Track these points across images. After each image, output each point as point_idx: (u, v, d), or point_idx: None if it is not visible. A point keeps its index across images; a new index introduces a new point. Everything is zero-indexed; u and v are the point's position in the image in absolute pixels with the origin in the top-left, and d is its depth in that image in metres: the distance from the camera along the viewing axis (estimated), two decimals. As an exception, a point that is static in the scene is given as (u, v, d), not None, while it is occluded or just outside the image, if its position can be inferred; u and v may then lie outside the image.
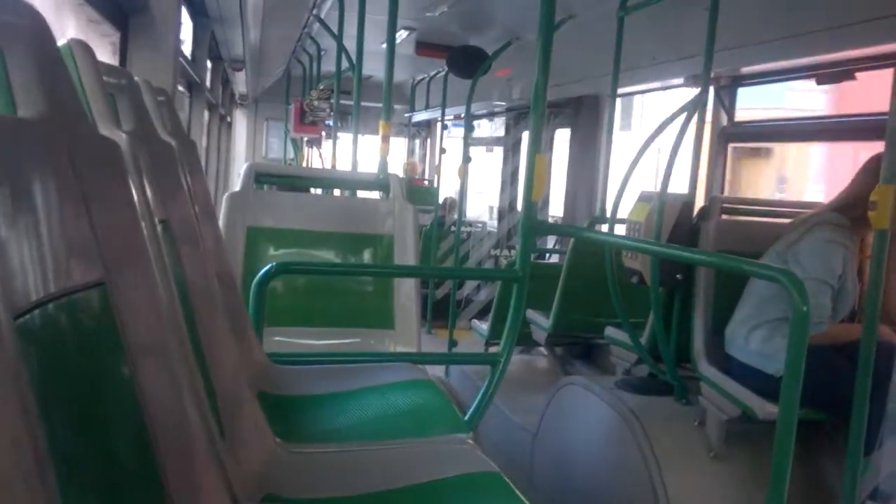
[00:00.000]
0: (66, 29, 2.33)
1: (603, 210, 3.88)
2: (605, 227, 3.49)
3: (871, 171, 2.52)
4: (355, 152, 4.26)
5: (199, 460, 1.00)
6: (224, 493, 1.06)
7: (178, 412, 0.94)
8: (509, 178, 6.98)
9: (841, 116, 3.21)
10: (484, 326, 4.40)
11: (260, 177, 3.06)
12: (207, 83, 5.68)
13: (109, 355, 0.81)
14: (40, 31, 0.79)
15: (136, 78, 1.51)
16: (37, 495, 0.51)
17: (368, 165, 4.48)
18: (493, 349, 3.92)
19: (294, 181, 3.46)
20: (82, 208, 0.77)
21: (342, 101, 5.70)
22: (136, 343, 0.84)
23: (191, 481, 0.95)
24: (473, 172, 6.47)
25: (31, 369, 0.60)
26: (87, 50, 1.15)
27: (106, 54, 2.43)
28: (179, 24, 2.38)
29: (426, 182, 8.55)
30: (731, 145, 3.67)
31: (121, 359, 0.82)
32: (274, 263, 2.31)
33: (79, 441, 0.70)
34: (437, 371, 3.50)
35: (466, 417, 2.31)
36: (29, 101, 0.73)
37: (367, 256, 3.04)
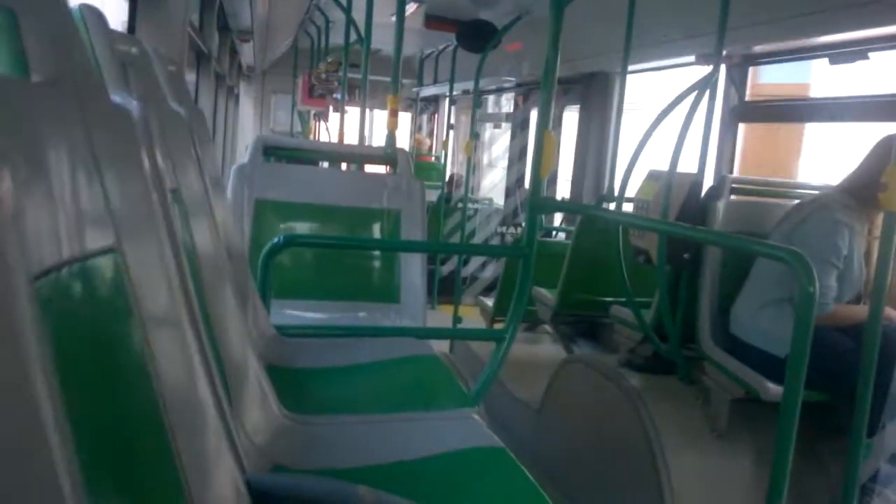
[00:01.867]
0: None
1: (611, 188, 3.87)
2: (612, 206, 3.48)
3: (881, 151, 2.51)
4: (363, 126, 4.25)
5: (210, 429, 1.01)
6: (234, 463, 1.07)
7: (188, 380, 0.95)
8: (517, 155, 6.95)
9: (855, 96, 3.17)
10: (489, 303, 4.42)
11: (268, 149, 3.06)
12: (215, 54, 5.64)
13: (121, 322, 0.81)
14: None
15: (146, 47, 1.50)
16: (57, 455, 0.52)
17: (375, 139, 4.47)
18: (497, 326, 3.93)
19: (302, 154, 3.45)
20: (95, 175, 0.77)
21: (350, 75, 5.67)
22: (148, 311, 0.85)
23: (201, 450, 0.96)
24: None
25: (47, 333, 0.60)
26: (98, 16, 1.14)
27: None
28: (188, -7, 2.37)
29: (433, 158, 8.52)
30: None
31: (132, 326, 0.82)
32: (281, 236, 2.31)
33: (90, 406, 0.70)
34: (441, 347, 3.51)
35: (471, 393, 2.32)
36: (43, 66, 0.73)
37: (373, 231, 3.05)
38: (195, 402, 0.97)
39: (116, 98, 1.07)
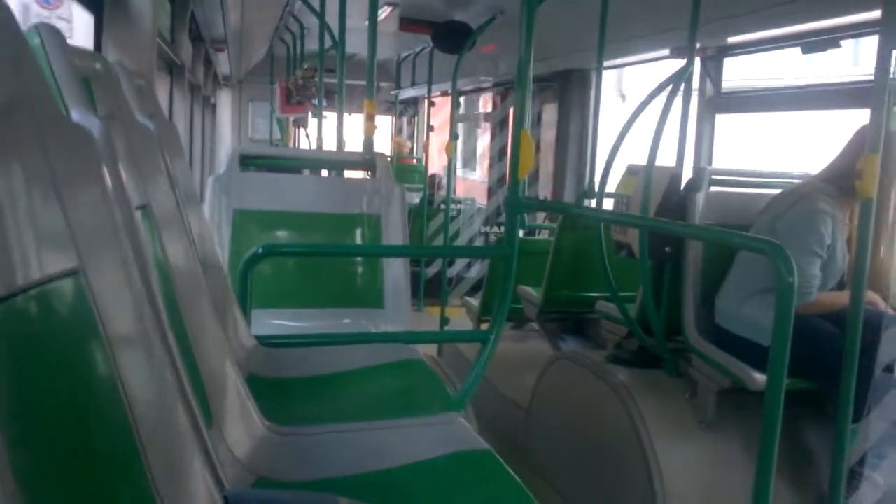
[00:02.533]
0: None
1: (591, 184, 3.87)
2: (593, 202, 3.48)
3: (859, 140, 2.52)
4: (340, 132, 4.23)
5: (185, 447, 0.99)
6: (211, 480, 1.06)
7: (160, 399, 0.93)
8: (497, 154, 6.95)
9: (827, 84, 3.20)
10: (475, 304, 4.41)
11: (245, 159, 3.03)
12: (189, 65, 5.60)
13: (87, 345, 0.79)
14: (4, 17, 0.76)
15: (111, 61, 1.48)
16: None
17: (355, 144, 4.45)
18: (484, 326, 3.93)
19: (279, 162, 3.43)
20: (52, 197, 0.75)
21: (327, 80, 5.64)
22: (115, 331, 0.83)
23: (176, 469, 0.94)
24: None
25: (2, 364, 0.59)
26: (56, 34, 1.12)
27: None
28: (157, 5, 2.34)
29: (414, 160, 8.51)
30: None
31: (99, 348, 0.81)
32: (260, 246, 2.29)
33: (59, 434, 0.69)
34: (429, 349, 3.50)
35: (457, 395, 2.31)
36: None
37: (355, 236, 3.03)
38: (168, 421, 0.95)
39: (77, 117, 1.05)
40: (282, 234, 2.98)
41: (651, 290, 2.68)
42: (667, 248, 2.72)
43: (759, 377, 2.33)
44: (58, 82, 1.10)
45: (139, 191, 1.26)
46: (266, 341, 2.17)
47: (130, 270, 0.92)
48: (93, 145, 0.93)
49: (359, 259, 3.04)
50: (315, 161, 3.84)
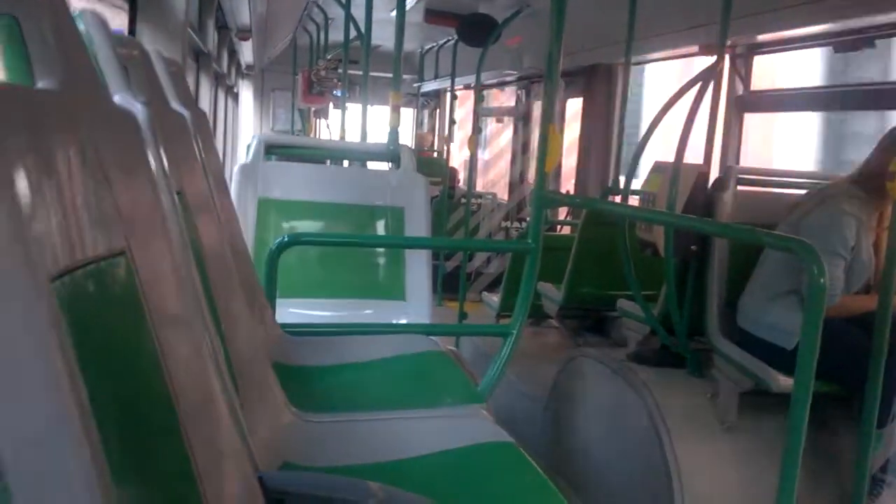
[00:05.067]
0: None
1: (616, 181, 3.85)
2: (618, 199, 3.47)
3: (888, 142, 2.49)
4: (365, 123, 4.23)
5: (223, 425, 1.01)
6: (246, 459, 1.07)
7: (200, 377, 0.95)
8: (520, 149, 6.93)
9: (859, 84, 3.16)
10: (494, 299, 4.41)
11: (270, 148, 3.05)
12: (214, 53, 5.63)
13: (134, 323, 0.81)
14: (58, 4, 0.77)
15: (147, 48, 1.49)
16: (87, 446, 0.54)
17: (376, 136, 4.46)
18: (503, 322, 3.92)
19: (304, 152, 3.44)
20: (103, 178, 0.77)
21: (350, 72, 5.65)
22: (159, 311, 0.85)
23: (214, 447, 0.96)
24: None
25: (67, 331, 0.61)
26: (99, 20, 1.13)
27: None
28: (189, -8, 2.36)
29: (435, 153, 8.50)
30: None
31: (145, 326, 0.82)
32: (286, 235, 2.31)
33: (108, 402, 0.70)
34: (447, 343, 3.50)
35: (479, 388, 2.32)
36: (47, 72, 0.72)
37: (378, 228, 3.04)
38: (207, 399, 0.97)
39: (120, 101, 1.07)
40: (305, 224, 2.99)
41: (674, 289, 2.66)
42: (692, 247, 2.70)
43: (783, 379, 2.32)
44: (100, 67, 1.11)
45: (176, 176, 1.27)
46: (290, 329, 2.19)
47: (173, 252, 0.94)
48: (137, 129, 0.94)
49: (381, 250, 3.05)
50: (341, 152, 3.84)
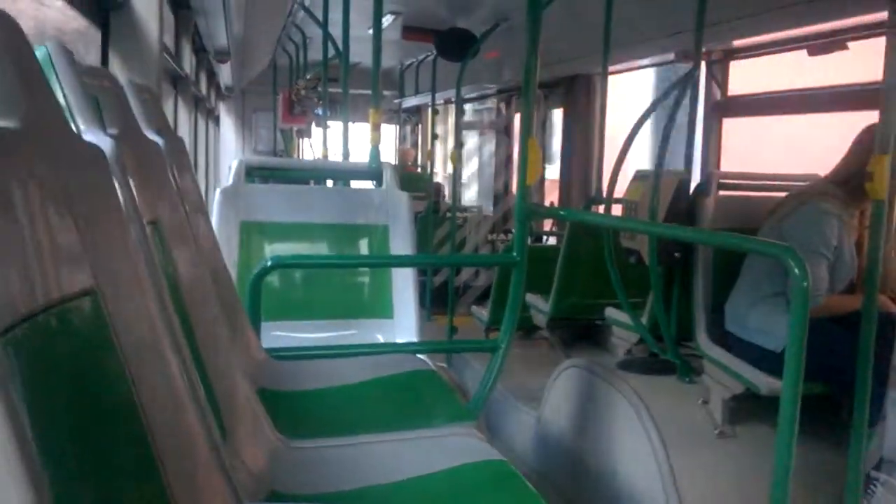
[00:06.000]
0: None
1: (599, 190, 3.86)
2: (601, 208, 3.47)
3: (865, 141, 2.51)
4: (346, 141, 4.22)
5: (201, 461, 0.99)
6: (228, 493, 1.05)
7: (177, 414, 0.93)
8: (503, 162, 6.95)
9: (834, 87, 3.18)
10: (484, 312, 4.39)
11: (251, 171, 3.03)
12: (192, 77, 5.62)
13: (105, 362, 0.80)
14: (16, 38, 0.76)
15: (119, 77, 1.48)
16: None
17: (359, 154, 4.45)
18: (493, 335, 3.91)
19: (286, 174, 3.42)
20: (68, 216, 0.75)
21: (330, 90, 5.65)
22: (131, 348, 0.83)
23: (193, 483, 0.94)
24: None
25: (23, 382, 0.59)
26: (65, 53, 1.12)
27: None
28: (162, 18, 2.34)
29: (419, 169, 8.51)
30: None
31: (116, 364, 0.81)
32: (270, 259, 2.29)
33: (78, 448, 0.69)
34: (438, 358, 3.49)
35: (469, 405, 2.30)
36: (8, 111, 0.71)
37: (362, 247, 3.02)
38: (185, 434, 0.95)
39: (88, 135, 1.05)
40: (289, 246, 2.97)
41: (661, 296, 2.66)
42: (676, 254, 2.71)
43: (771, 381, 2.32)
44: (68, 101, 1.09)
45: (149, 206, 1.25)
46: (275, 354, 2.16)
47: (144, 286, 0.92)
48: (105, 164, 0.93)
49: (367, 270, 3.03)
50: (322, 172, 3.83)
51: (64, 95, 1.09)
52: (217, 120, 9.59)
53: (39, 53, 1.07)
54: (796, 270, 1.62)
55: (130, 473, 0.80)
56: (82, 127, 1.09)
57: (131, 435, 0.81)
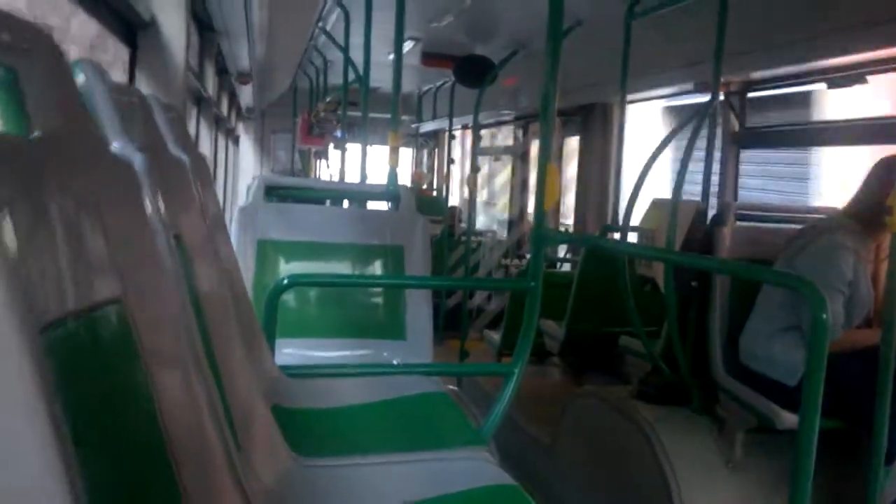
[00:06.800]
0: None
1: (615, 218, 3.86)
2: (617, 235, 3.47)
3: (882, 173, 2.50)
4: (364, 164, 4.26)
5: (218, 472, 0.99)
6: (242, 502, 1.05)
7: (196, 425, 0.94)
8: (519, 187, 6.97)
9: (854, 120, 3.18)
10: (496, 337, 4.38)
11: (269, 189, 3.06)
12: (214, 97, 5.70)
13: (128, 370, 0.81)
14: (53, 52, 0.79)
15: (146, 95, 1.51)
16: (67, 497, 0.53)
17: (375, 176, 4.48)
18: (505, 359, 3.90)
19: (304, 193, 3.45)
20: (98, 226, 0.77)
21: (349, 113, 5.71)
22: (154, 357, 0.84)
23: (209, 494, 0.94)
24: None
25: (52, 384, 0.60)
26: (97, 69, 1.15)
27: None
28: (188, 39, 2.39)
29: (434, 192, 8.55)
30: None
31: (139, 373, 0.82)
32: (286, 277, 2.30)
33: (99, 454, 0.69)
34: (449, 382, 3.48)
35: (481, 429, 2.29)
36: (44, 122, 0.73)
37: (377, 267, 3.03)
38: (203, 446, 0.96)
39: (117, 148, 1.07)
40: (304, 265, 2.99)
41: (676, 325, 2.65)
42: (693, 283, 2.70)
43: (788, 416, 2.29)
44: (99, 116, 1.12)
45: (173, 221, 1.27)
46: (289, 371, 2.17)
47: (169, 297, 0.93)
48: (134, 177, 0.95)
49: (381, 290, 3.04)
50: (340, 192, 3.86)
51: (95, 111, 1.11)
52: (237, 140, 9.70)
53: (74, 70, 1.10)
54: (813, 302, 1.62)
55: (149, 480, 0.81)
56: (113, 142, 1.11)
57: (151, 443, 0.81)
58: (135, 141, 1.26)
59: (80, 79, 1.11)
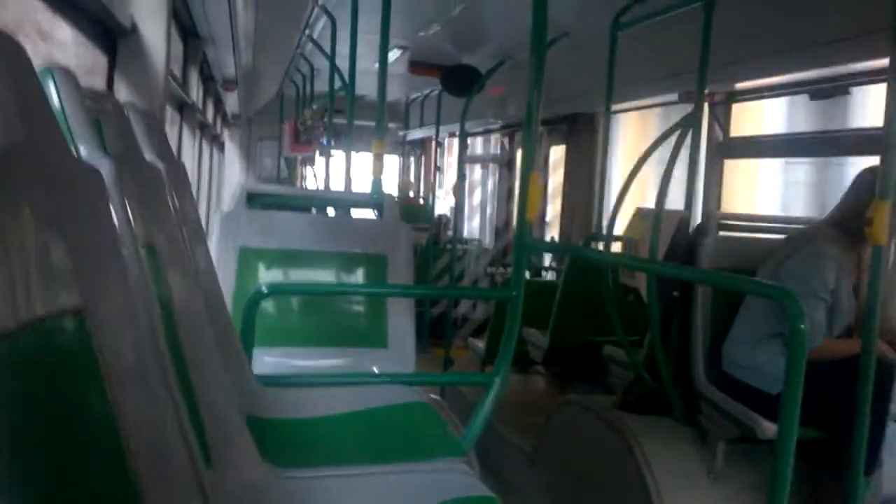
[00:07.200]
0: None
1: (599, 227, 3.87)
2: (601, 245, 3.47)
3: (863, 184, 2.51)
4: (348, 172, 4.25)
5: (184, 489, 0.97)
6: None
7: (158, 439, 0.92)
8: (505, 196, 6.98)
9: (837, 131, 3.20)
10: (480, 345, 4.37)
11: (252, 197, 3.04)
12: (199, 104, 5.67)
13: (86, 383, 0.79)
14: (18, 59, 0.77)
15: (122, 101, 1.49)
16: None
17: (362, 184, 4.47)
18: (489, 368, 3.89)
19: (287, 201, 3.43)
20: (59, 236, 0.75)
21: (336, 120, 5.70)
22: (115, 369, 0.82)
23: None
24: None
25: (4, 396, 0.58)
26: (68, 75, 1.13)
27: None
28: (169, 46, 2.36)
29: (421, 200, 8.55)
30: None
31: (98, 386, 0.80)
32: (263, 285, 2.28)
33: (55, 469, 0.68)
34: (432, 391, 3.46)
35: (461, 439, 2.27)
36: (6, 131, 0.71)
37: (360, 276, 3.02)
38: (166, 460, 0.94)
39: (87, 156, 1.06)
40: (287, 273, 2.97)
41: (659, 335, 2.65)
42: (675, 293, 2.70)
43: (769, 426, 2.29)
44: (69, 123, 1.10)
45: (146, 230, 1.25)
46: (267, 381, 2.15)
47: (133, 310, 0.92)
48: (101, 185, 0.93)
49: (363, 299, 3.03)
50: (323, 200, 3.85)
51: (65, 118, 1.10)
52: (222, 147, 9.66)
53: (43, 76, 1.08)
54: (793, 312, 1.62)
55: (109, 499, 0.79)
56: (82, 149, 1.09)
57: (110, 458, 0.79)
58: (107, 148, 1.24)
59: (50, 85, 1.09)
